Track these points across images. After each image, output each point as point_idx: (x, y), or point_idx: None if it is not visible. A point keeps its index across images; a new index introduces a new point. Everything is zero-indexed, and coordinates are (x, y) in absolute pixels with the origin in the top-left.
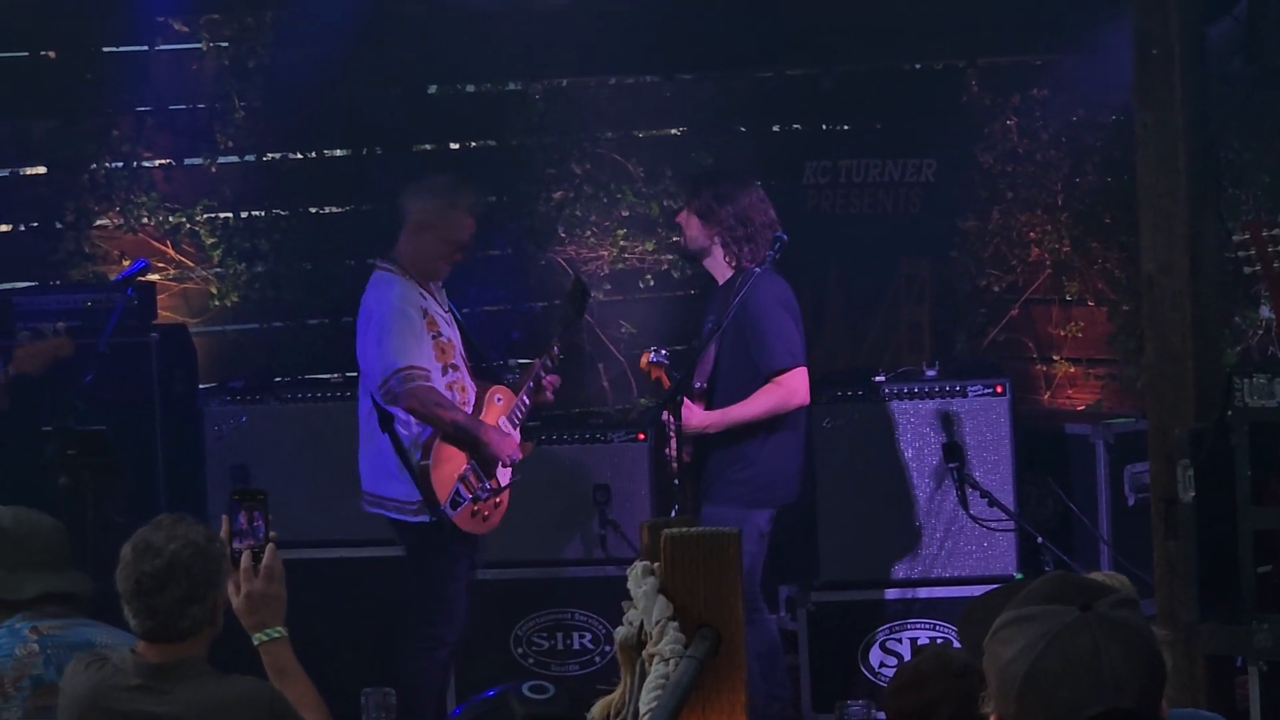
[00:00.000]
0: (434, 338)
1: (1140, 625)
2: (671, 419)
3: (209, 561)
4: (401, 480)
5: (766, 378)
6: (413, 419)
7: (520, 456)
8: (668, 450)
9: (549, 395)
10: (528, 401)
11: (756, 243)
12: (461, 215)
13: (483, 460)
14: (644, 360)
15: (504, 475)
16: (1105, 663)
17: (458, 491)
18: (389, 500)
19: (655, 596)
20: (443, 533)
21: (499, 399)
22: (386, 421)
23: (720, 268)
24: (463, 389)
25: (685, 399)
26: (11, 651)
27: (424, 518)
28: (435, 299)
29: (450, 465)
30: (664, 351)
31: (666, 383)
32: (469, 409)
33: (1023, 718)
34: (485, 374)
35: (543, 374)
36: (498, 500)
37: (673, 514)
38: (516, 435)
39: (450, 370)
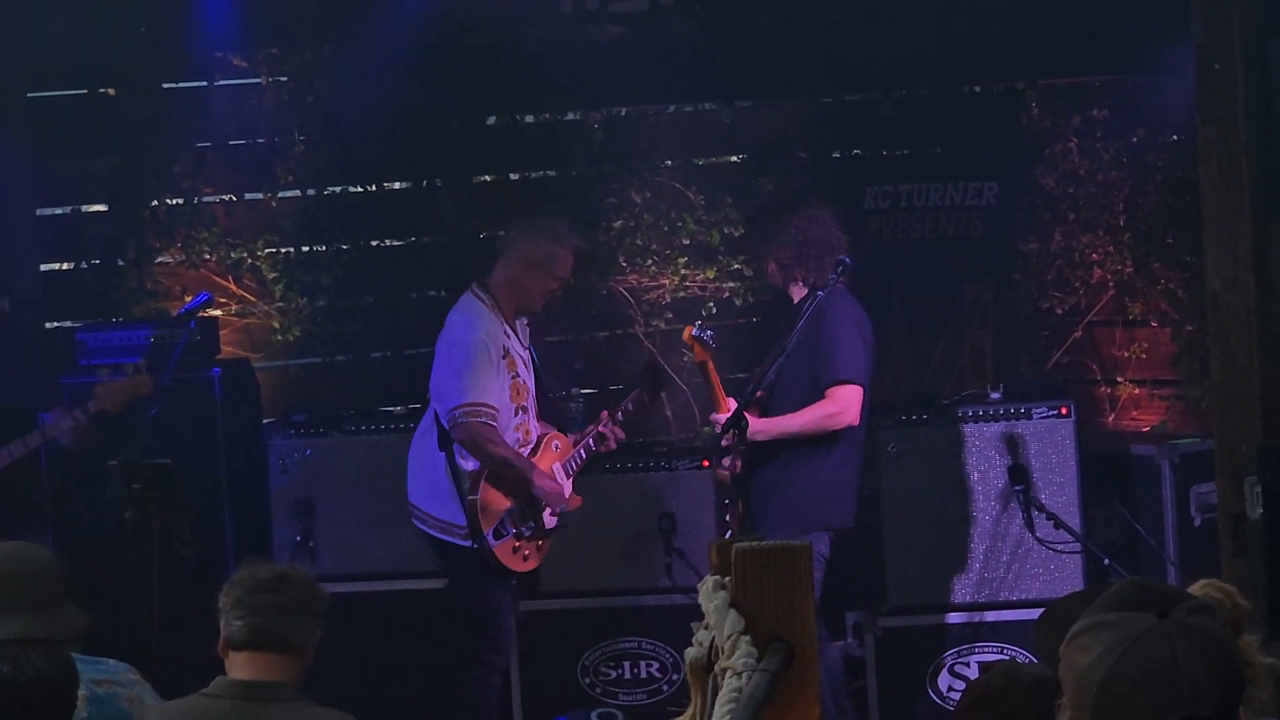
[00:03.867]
0: (512, 378)
1: (1218, 632)
2: (734, 437)
3: (318, 599)
4: (452, 502)
5: (822, 390)
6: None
7: (570, 507)
8: (723, 465)
9: (611, 445)
10: (584, 456)
11: (816, 261)
12: (569, 254)
13: (529, 501)
14: (687, 333)
15: (550, 520)
16: (1182, 670)
17: (502, 523)
18: (435, 519)
19: (727, 610)
20: (485, 561)
21: (556, 445)
22: (445, 441)
23: (794, 290)
24: (527, 431)
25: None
26: None
27: (468, 543)
28: (518, 337)
29: (498, 499)
30: (710, 331)
31: (701, 356)
32: (527, 450)
33: None
34: (548, 418)
35: (606, 432)
36: (540, 542)
37: (727, 536)
38: (569, 485)
39: (520, 412)
